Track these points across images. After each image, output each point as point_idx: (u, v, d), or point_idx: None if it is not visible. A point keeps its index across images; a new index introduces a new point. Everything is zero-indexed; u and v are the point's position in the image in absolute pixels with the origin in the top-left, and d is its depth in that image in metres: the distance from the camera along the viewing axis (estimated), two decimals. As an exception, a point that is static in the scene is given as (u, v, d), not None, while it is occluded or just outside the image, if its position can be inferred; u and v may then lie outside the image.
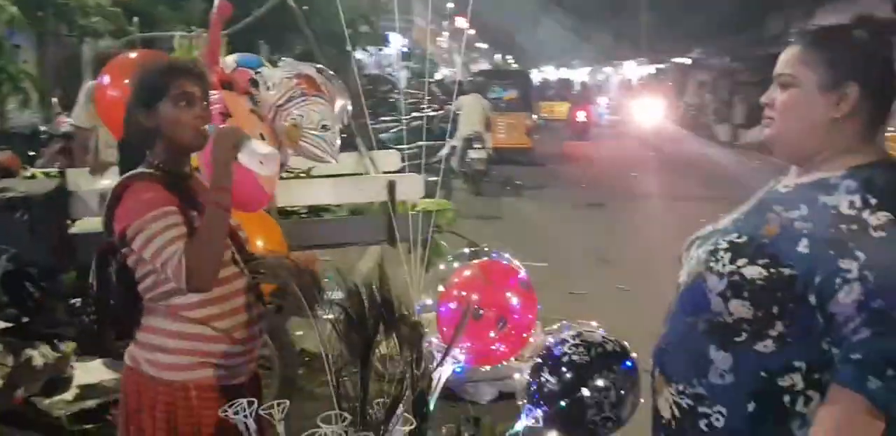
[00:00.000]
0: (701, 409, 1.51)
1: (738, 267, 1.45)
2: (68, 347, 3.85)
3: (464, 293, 2.39)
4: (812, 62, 1.47)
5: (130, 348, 2.04)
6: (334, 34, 15.84)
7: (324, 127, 2.62)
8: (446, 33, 48.05)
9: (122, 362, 3.95)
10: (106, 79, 2.92)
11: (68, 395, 3.81)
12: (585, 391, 2.24)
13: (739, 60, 25.74)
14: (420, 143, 10.14)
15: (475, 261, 2.49)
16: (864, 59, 1.46)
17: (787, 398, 1.43)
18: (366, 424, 1.68)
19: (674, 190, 11.88)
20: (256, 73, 2.70)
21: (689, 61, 29.65)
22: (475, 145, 11.08)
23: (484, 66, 45.53)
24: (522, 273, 2.45)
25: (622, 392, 2.27)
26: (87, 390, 3.92)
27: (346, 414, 1.68)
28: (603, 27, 35.86)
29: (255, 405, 1.84)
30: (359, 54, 19.27)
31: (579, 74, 43.76)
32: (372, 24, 18.95)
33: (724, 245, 1.51)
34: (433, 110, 15.88)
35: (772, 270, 1.41)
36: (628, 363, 2.29)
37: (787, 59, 1.51)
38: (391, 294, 1.62)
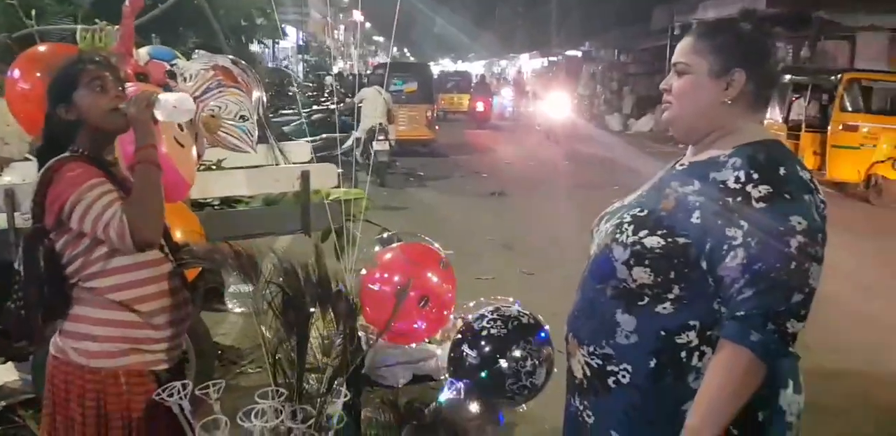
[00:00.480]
0: (609, 367, 1.65)
1: (640, 238, 1.60)
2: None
3: (387, 275, 2.50)
4: (703, 51, 1.63)
5: (56, 338, 2.05)
6: (232, 27, 15.54)
7: (242, 117, 2.66)
8: (342, 26, 47.63)
9: (27, 364, 3.87)
10: (16, 72, 2.86)
11: (-28, 398, 3.70)
12: (503, 362, 2.40)
13: (627, 53, 26.75)
14: (324, 135, 10.16)
15: (396, 244, 2.61)
16: (749, 48, 1.62)
17: (683, 354, 1.58)
18: (301, 397, 1.77)
19: (571, 178, 12.28)
20: (172, 65, 2.72)
21: (579, 54, 30.54)
22: (378, 138, 11.14)
23: (381, 58, 45.37)
24: (442, 255, 2.58)
25: (537, 362, 2.44)
26: (-9, 393, 3.82)
27: (282, 389, 1.77)
28: (496, 22, 36.46)
29: (190, 387, 1.90)
30: (255, 47, 18.92)
31: (476, 67, 44.28)
32: (268, 15, 18.67)
33: (629, 219, 1.66)
34: (334, 103, 15.86)
35: (669, 239, 1.57)
36: (542, 335, 2.46)
37: (682, 48, 1.67)
38: (327, 272, 1.71)
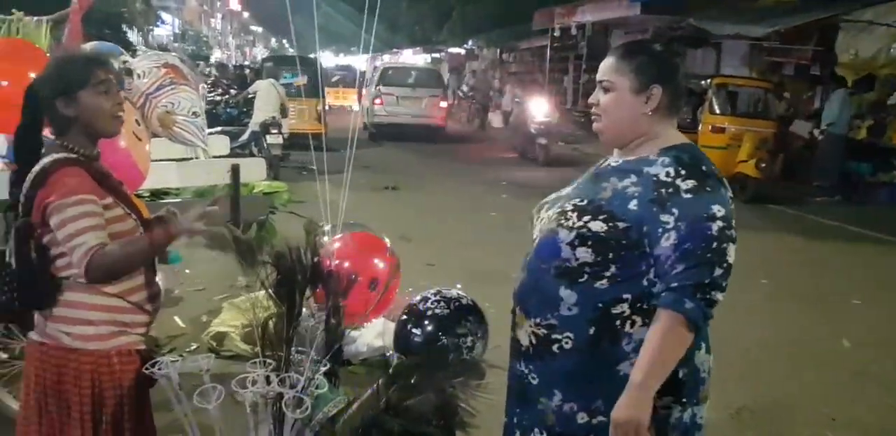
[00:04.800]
0: (554, 336, 1.91)
1: (585, 222, 1.87)
2: None
3: (337, 262, 2.72)
4: (624, 70, 1.92)
5: (43, 325, 2.09)
6: (109, 14, 15.03)
7: (194, 114, 2.79)
8: (220, 15, 46.35)
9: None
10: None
11: None
12: (445, 339, 2.67)
13: (509, 52, 27.56)
14: (220, 128, 10.05)
15: (344, 234, 2.83)
16: (662, 66, 1.92)
17: (618, 323, 1.87)
18: (289, 367, 1.97)
19: (453, 173, 12.68)
20: (124, 62, 2.80)
21: (462, 51, 31.15)
22: (272, 131, 11.13)
23: (260, 49, 44.44)
24: (387, 242, 2.82)
25: (476, 337, 2.72)
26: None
27: (269, 360, 1.96)
28: (380, 16, 36.51)
29: (178, 361, 2.07)
30: (132, 34, 18.29)
31: (359, 61, 44.12)
32: (147, 1, 18.18)
33: (570, 207, 1.93)
34: (219, 95, 15.56)
35: (611, 223, 1.85)
36: (479, 314, 2.75)
37: (605, 67, 1.96)
38: (319, 254, 1.91)
